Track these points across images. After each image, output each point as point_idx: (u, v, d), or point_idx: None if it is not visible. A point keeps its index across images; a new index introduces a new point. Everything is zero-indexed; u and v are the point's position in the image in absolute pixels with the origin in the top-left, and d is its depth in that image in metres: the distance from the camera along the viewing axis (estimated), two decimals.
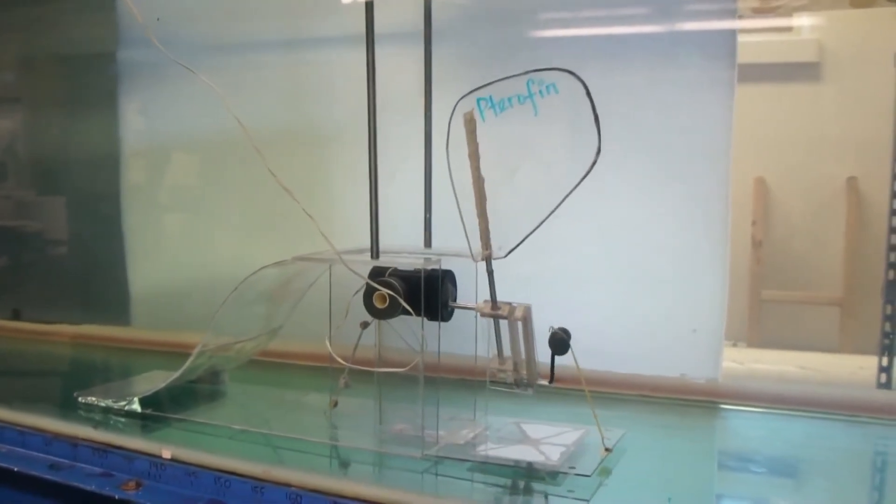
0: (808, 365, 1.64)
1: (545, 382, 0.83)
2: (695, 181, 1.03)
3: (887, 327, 1.83)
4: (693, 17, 1.03)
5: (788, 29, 2.33)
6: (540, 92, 0.77)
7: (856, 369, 1.71)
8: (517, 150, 0.88)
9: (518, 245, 0.82)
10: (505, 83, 0.78)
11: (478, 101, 0.79)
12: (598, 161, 0.87)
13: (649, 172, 1.05)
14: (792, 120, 2.26)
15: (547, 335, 0.83)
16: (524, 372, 0.84)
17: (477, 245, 0.83)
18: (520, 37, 1.12)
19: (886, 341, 1.81)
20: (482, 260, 0.83)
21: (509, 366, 0.84)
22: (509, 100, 0.78)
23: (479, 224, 0.82)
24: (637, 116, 1.05)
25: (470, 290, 0.88)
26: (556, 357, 0.82)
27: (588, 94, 0.76)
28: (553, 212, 0.79)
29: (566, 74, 0.77)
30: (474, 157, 0.80)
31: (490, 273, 0.83)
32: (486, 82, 0.79)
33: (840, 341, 2.21)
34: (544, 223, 0.80)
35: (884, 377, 1.70)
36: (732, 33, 1.01)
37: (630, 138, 1.04)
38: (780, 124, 2.25)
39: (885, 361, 1.74)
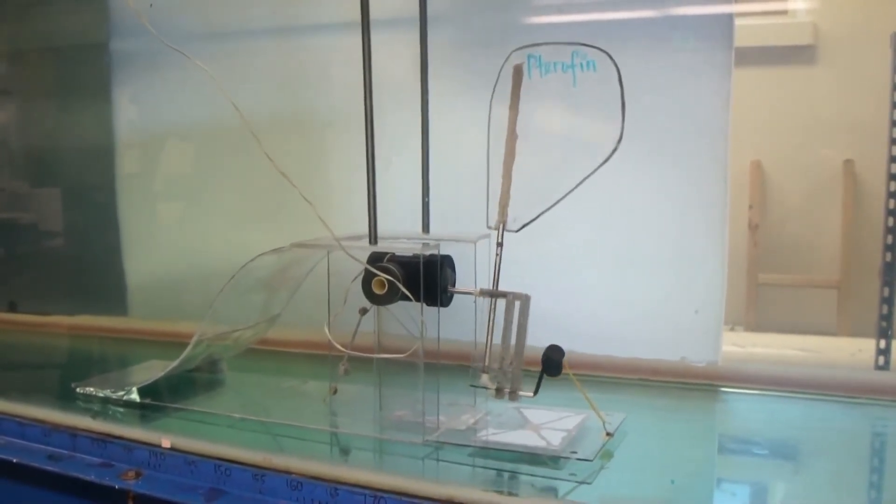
0: (807, 348, 1.65)
1: (529, 394, 0.82)
2: (693, 164, 1.03)
3: (885, 310, 1.83)
4: (690, 1, 1.03)
5: (784, 12, 2.32)
6: (581, 66, 0.79)
7: (854, 352, 1.72)
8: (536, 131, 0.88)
9: (533, 220, 0.82)
10: (551, 53, 0.81)
11: (528, 57, 0.81)
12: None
13: (647, 156, 1.05)
14: (788, 103, 2.26)
15: (541, 324, 0.82)
16: (509, 373, 0.83)
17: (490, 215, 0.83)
18: (515, 22, 1.11)
19: (884, 324, 1.82)
20: (495, 228, 0.83)
21: (494, 367, 0.83)
22: (554, 65, 0.80)
23: (502, 184, 0.82)
24: (634, 100, 1.04)
25: (469, 274, 0.88)
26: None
27: (619, 79, 0.79)
28: (573, 190, 0.80)
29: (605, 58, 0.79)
30: (514, 110, 0.81)
31: (499, 245, 0.83)
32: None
33: (838, 324, 2.22)
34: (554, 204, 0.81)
35: (881, 359, 1.71)
36: (729, 16, 1.01)
37: (628, 122, 1.04)
38: (776, 107, 2.25)
39: (882, 344, 1.75)
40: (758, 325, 2.27)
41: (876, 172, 1.98)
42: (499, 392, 0.83)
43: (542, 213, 0.81)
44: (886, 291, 1.83)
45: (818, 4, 2.29)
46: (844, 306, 2.22)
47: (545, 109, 0.83)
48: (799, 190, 2.32)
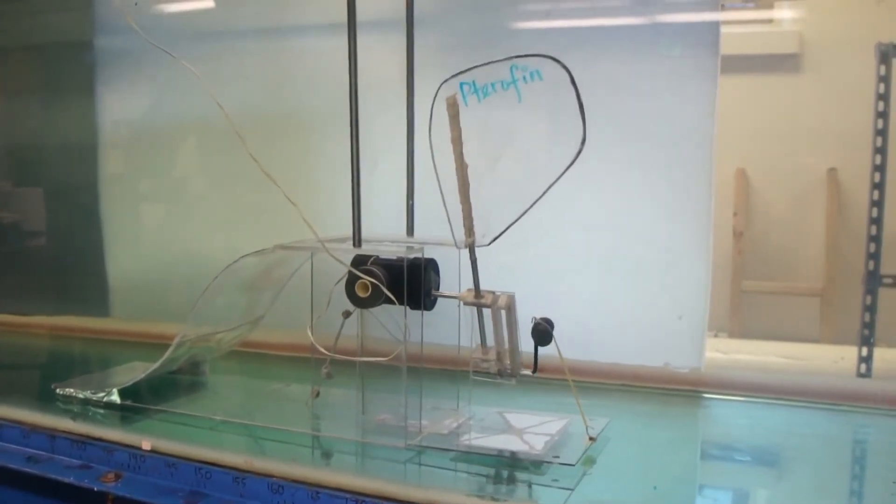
0: (790, 355, 1.65)
1: (528, 372, 0.83)
2: (678, 170, 1.03)
3: (867, 318, 1.85)
4: (676, 9, 1.03)
5: (769, 20, 2.33)
6: (524, 78, 0.76)
7: (837, 359, 1.72)
8: (499, 139, 0.87)
9: (501, 234, 0.81)
10: (488, 69, 0.77)
11: (461, 85, 0.78)
12: (583, 150, 0.87)
13: (632, 162, 1.05)
14: (772, 111, 2.27)
15: (530, 326, 0.82)
16: (507, 361, 0.83)
17: (460, 232, 0.82)
18: (501, 26, 1.11)
19: (866, 331, 1.83)
20: (465, 247, 0.82)
21: (492, 356, 0.84)
22: (493, 85, 0.77)
23: (463, 210, 0.81)
24: (620, 106, 1.04)
25: (453, 278, 0.87)
26: (540, 347, 0.82)
27: (573, 82, 0.76)
28: (537, 201, 0.79)
29: (550, 61, 0.76)
30: (457, 142, 0.79)
31: (473, 261, 0.83)
32: (468, 67, 0.78)
33: (820, 331, 2.23)
34: (527, 212, 0.80)
35: (863, 367, 1.72)
36: (715, 24, 1.01)
37: (614, 128, 1.04)
38: (761, 116, 2.26)
39: (864, 351, 1.76)
40: (741, 331, 2.28)
41: (859, 181, 1.99)
42: (501, 374, 0.83)
43: (511, 224, 0.81)
44: (869, 299, 1.85)
45: (804, 14, 2.30)
46: (827, 314, 2.23)
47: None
48: (783, 198, 2.33)
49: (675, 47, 1.02)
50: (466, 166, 0.79)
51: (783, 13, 2.32)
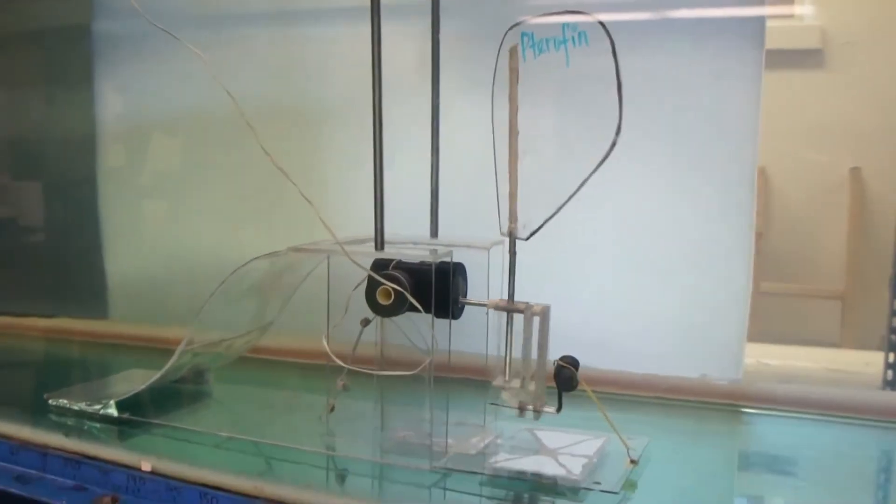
0: (817, 361, 1.60)
1: (552, 411, 0.76)
2: (719, 169, 0.99)
3: (894, 322, 1.79)
4: (719, 2, 0.99)
5: (791, 15, 2.29)
6: (573, 39, 0.72)
7: (862, 365, 1.67)
8: (531, 133, 0.81)
9: (539, 228, 0.75)
10: (541, 30, 0.73)
11: (522, 35, 0.73)
12: (617, 149, 0.81)
13: (671, 160, 1.00)
14: (794, 108, 2.23)
15: (553, 335, 0.76)
16: (531, 389, 0.76)
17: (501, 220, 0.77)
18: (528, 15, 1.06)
19: (894, 336, 1.77)
20: (507, 235, 0.76)
21: (515, 384, 0.77)
22: (546, 41, 0.73)
23: (510, 186, 0.75)
24: (658, 101, 0.99)
25: (480, 283, 0.81)
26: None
27: (614, 52, 0.70)
28: (573, 195, 0.73)
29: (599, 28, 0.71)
30: (513, 100, 0.73)
31: (512, 253, 0.76)
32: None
33: (841, 335, 2.18)
34: (564, 207, 0.74)
35: (890, 374, 1.66)
36: (760, 17, 0.98)
37: (652, 124, 0.99)
38: (782, 113, 2.21)
39: (892, 357, 1.70)
40: (759, 335, 2.22)
41: (884, 180, 1.96)
42: (521, 411, 0.77)
43: (549, 218, 0.75)
44: None
45: (826, 8, 2.26)
46: (848, 318, 2.18)
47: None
48: (804, 197, 2.29)
49: (717, 40, 0.97)
50: (518, 133, 0.74)
51: (805, 8, 2.29)
